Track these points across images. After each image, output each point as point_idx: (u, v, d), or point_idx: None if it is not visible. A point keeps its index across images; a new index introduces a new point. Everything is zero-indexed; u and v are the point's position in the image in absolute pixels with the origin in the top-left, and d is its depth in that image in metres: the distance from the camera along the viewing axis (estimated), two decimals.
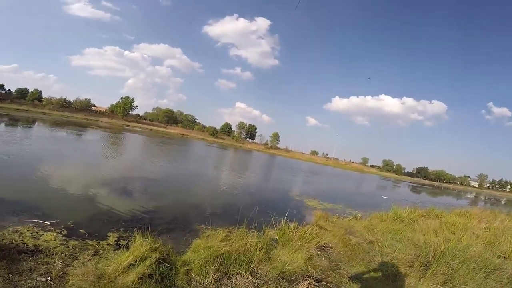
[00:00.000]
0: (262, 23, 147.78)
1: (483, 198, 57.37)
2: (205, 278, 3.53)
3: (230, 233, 5.01)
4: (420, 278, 4.34)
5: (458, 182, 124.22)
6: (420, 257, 5.09)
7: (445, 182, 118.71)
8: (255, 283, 3.68)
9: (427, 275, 4.35)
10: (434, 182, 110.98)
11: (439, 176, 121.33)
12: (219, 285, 3.55)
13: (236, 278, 3.68)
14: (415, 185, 67.77)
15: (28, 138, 18.70)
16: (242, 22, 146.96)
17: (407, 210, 9.96)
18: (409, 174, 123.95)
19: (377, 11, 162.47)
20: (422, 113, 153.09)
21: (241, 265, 3.81)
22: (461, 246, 5.73)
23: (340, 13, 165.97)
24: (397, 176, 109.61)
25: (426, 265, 4.76)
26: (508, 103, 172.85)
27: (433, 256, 5.00)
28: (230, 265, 3.78)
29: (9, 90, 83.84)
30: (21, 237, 4.46)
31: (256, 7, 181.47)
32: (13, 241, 4.25)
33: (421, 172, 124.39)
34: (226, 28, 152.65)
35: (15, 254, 3.77)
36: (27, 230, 4.78)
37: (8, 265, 3.37)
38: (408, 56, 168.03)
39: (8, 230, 4.64)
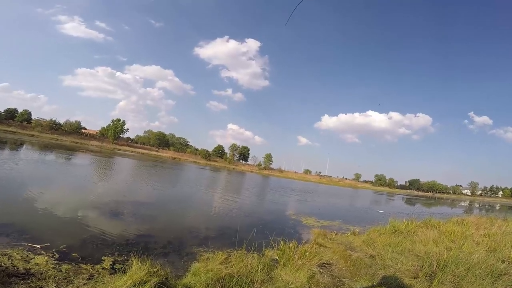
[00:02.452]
0: (253, 44, 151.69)
1: (477, 205, 57.87)
2: None
3: (230, 255, 4.89)
4: None
5: (451, 192, 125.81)
6: (423, 267, 5.01)
7: (438, 192, 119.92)
8: None
9: (434, 284, 4.27)
10: (427, 193, 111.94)
11: (432, 187, 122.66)
12: None
13: None
14: (409, 197, 68.08)
15: (16, 161, 18.11)
16: (232, 44, 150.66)
17: (404, 222, 9.91)
18: (402, 187, 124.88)
19: (362, 29, 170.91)
20: (409, 127, 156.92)
21: (243, 287, 3.66)
22: (464, 254, 5.70)
23: (327, 32, 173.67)
24: (390, 189, 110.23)
25: (431, 275, 4.68)
26: (488, 111, 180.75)
27: (436, 266, 4.93)
28: (232, 287, 3.62)
29: None
30: (10, 260, 4.29)
31: (246, 29, 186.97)
32: (2, 264, 4.09)
33: (414, 184, 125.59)
34: (217, 50, 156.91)
35: (5, 277, 3.64)
36: (17, 253, 4.60)
37: None
38: (392, 69, 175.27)
39: None
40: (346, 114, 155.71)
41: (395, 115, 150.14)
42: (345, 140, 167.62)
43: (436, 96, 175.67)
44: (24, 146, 35.07)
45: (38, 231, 6.00)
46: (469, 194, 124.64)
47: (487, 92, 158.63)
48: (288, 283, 4.15)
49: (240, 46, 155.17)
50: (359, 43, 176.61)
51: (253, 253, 4.89)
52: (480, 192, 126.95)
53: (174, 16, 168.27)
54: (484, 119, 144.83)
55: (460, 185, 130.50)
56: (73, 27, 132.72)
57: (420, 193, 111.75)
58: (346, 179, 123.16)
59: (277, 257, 5.49)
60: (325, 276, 4.86)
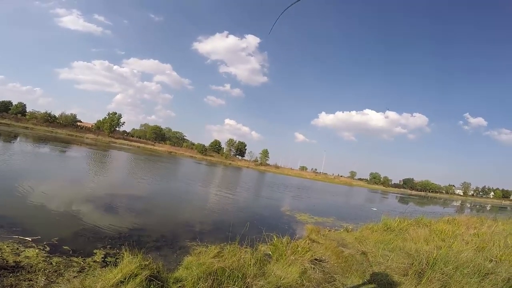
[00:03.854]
0: (252, 40, 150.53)
1: (468, 205, 58.77)
2: None
3: (223, 250, 4.91)
4: (415, 286, 4.32)
5: (444, 191, 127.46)
6: (413, 265, 5.09)
7: (431, 191, 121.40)
8: None
9: (422, 282, 4.34)
10: (420, 192, 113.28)
11: (425, 186, 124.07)
12: None
13: None
14: (402, 196, 68.84)
15: (8, 154, 17.92)
16: (232, 39, 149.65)
17: (396, 220, 10.05)
18: (396, 186, 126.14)
19: (360, 28, 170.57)
20: (405, 126, 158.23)
21: (235, 281, 3.69)
22: (453, 253, 5.80)
23: (325, 30, 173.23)
24: (384, 188, 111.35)
25: (420, 272, 4.75)
26: (483, 113, 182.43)
27: (426, 264, 5.02)
28: (224, 281, 3.65)
29: None
30: (0, 253, 4.24)
31: (246, 25, 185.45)
32: None
33: (408, 183, 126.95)
34: (216, 45, 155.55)
35: None
36: (7, 246, 4.56)
37: None
38: (389, 69, 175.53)
39: None
40: (343, 112, 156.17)
41: (392, 114, 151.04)
42: (342, 137, 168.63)
43: (433, 96, 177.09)
44: (18, 139, 34.64)
45: (30, 224, 5.96)
46: (461, 194, 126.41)
47: (482, 94, 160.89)
48: (280, 278, 4.19)
49: (240, 42, 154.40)
50: (358, 42, 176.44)
51: (246, 248, 4.93)
52: (472, 192, 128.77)
53: (173, 10, 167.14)
54: (479, 121, 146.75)
55: (453, 185, 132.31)
56: (71, 20, 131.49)
57: (413, 192, 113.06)
58: (342, 176, 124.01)
59: (270, 252, 5.54)
60: (317, 272, 4.92)
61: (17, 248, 4.57)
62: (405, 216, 11.15)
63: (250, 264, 4.18)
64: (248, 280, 3.83)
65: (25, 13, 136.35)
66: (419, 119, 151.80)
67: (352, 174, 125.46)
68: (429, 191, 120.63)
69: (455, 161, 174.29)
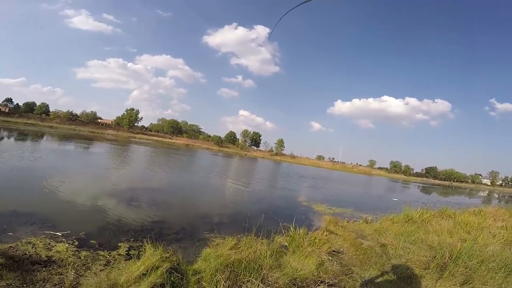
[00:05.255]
0: (261, 31, 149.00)
1: (496, 196, 55.93)
2: (216, 287, 3.47)
3: (239, 241, 4.97)
4: (437, 280, 4.19)
5: (469, 181, 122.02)
6: (435, 258, 4.93)
7: (456, 181, 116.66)
8: None
9: (444, 276, 4.21)
10: (444, 182, 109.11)
11: (449, 175, 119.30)
12: None
13: (246, 286, 3.60)
14: (425, 185, 66.62)
15: (37, 152, 19.04)
16: (241, 31, 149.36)
17: (418, 211, 9.73)
18: (418, 175, 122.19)
19: (376, 12, 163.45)
20: (427, 112, 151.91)
21: (251, 273, 3.74)
22: (478, 246, 5.55)
23: (338, 15, 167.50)
24: (405, 177, 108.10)
25: (442, 266, 4.60)
26: (511, 98, 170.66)
27: (449, 257, 4.84)
28: (241, 273, 3.71)
29: (17, 104, 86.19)
30: (34, 248, 4.53)
31: (254, 15, 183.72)
32: (27, 252, 4.32)
33: (430, 172, 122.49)
34: (226, 37, 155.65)
35: (29, 265, 3.83)
36: (40, 241, 4.85)
37: (22, 276, 3.41)
38: (408, 55, 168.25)
39: (21, 241, 4.73)
40: (360, 99, 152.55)
41: (412, 101, 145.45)
42: (359, 125, 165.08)
43: (455, 81, 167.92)
44: (45, 137, 36.58)
45: (59, 220, 6.27)
46: (489, 184, 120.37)
47: (509, 78, 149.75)
48: (297, 270, 4.20)
49: (249, 33, 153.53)
50: (375, 28, 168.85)
51: (263, 239, 4.97)
52: (500, 182, 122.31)
53: (180, 5, 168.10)
54: (507, 106, 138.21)
55: (480, 174, 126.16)
56: (81, 21, 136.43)
57: (436, 181, 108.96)
58: (360, 165, 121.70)
59: (286, 244, 5.55)
60: (335, 264, 4.88)
61: (49, 243, 4.85)
62: (427, 207, 10.77)
63: (266, 256, 4.21)
64: (264, 271, 3.87)
65: (36, 17, 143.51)
66: (441, 105, 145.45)
67: (371, 163, 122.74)
68: (454, 181, 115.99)
69: (481, 149, 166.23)
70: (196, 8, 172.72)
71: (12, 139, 28.86)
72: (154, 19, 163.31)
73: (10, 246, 4.44)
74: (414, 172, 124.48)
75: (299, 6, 2.42)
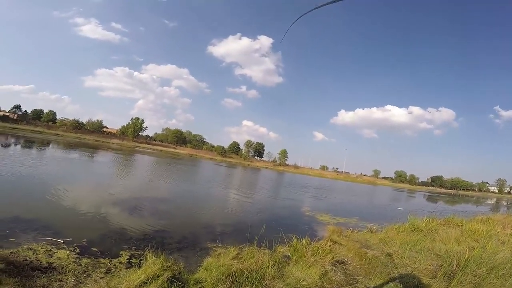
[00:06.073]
0: (265, 41, 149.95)
1: (505, 203, 54.85)
2: None
3: (241, 251, 4.89)
4: None
5: (476, 189, 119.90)
6: (442, 266, 4.81)
7: (462, 189, 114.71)
8: None
9: (452, 284, 4.09)
10: (450, 190, 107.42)
11: (456, 184, 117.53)
12: None
13: None
14: (430, 194, 65.65)
15: (42, 159, 19.20)
16: (245, 41, 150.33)
17: (424, 220, 9.55)
18: (423, 184, 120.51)
19: (378, 21, 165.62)
20: (431, 121, 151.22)
21: (253, 283, 3.66)
22: (487, 254, 5.40)
23: (341, 25, 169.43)
24: (411, 186, 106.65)
25: (450, 274, 4.48)
26: None
27: (457, 265, 4.72)
28: (242, 283, 3.64)
29: (25, 111, 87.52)
30: (35, 254, 4.51)
31: (258, 26, 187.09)
32: (27, 258, 4.30)
33: (436, 181, 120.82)
34: (230, 47, 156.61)
35: (29, 271, 3.81)
36: (41, 248, 4.84)
37: (22, 282, 3.38)
38: (411, 63, 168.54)
39: (22, 247, 4.71)
40: (363, 109, 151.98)
41: (416, 110, 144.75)
42: (363, 135, 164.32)
43: (458, 90, 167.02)
44: (50, 145, 36.94)
45: (61, 227, 6.28)
46: (496, 191, 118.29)
47: None
48: (300, 280, 4.11)
49: (253, 43, 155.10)
50: (377, 37, 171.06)
51: (265, 249, 4.88)
52: (508, 189, 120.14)
53: (185, 16, 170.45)
54: (511, 113, 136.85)
55: (487, 182, 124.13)
56: (91, 29, 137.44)
57: (442, 190, 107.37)
58: (365, 175, 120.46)
59: (289, 254, 5.45)
60: (339, 274, 4.77)
61: (50, 250, 4.84)
62: (434, 216, 10.59)
63: (269, 266, 4.13)
64: (266, 281, 3.79)
65: (46, 24, 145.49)
66: (445, 113, 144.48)
67: (376, 173, 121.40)
68: (460, 189, 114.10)
69: (487, 157, 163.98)
70: (201, 18, 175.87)
71: (18, 146, 29.22)
72: (161, 29, 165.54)
73: (11, 252, 4.43)
74: (420, 181, 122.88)
75: (306, 14, 2.45)
